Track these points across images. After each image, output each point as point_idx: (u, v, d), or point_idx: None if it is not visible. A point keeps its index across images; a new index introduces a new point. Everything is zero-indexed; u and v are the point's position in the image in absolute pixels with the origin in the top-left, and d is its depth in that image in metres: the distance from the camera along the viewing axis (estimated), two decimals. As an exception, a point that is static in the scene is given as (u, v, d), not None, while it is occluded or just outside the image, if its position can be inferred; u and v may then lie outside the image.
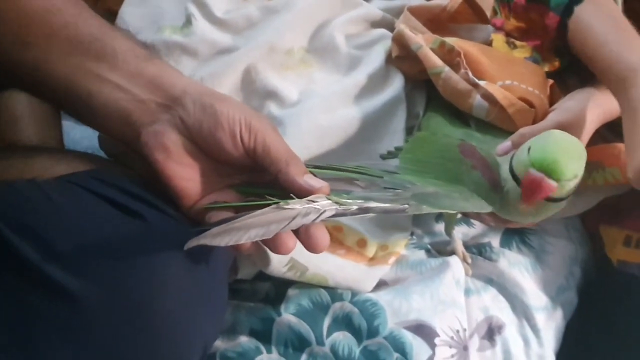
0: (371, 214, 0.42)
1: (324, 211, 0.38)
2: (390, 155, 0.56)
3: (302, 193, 0.39)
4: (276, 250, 0.39)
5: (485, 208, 0.47)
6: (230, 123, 0.40)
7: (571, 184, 0.45)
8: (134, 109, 0.41)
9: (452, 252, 0.61)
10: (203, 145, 0.41)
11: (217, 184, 0.43)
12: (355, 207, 0.40)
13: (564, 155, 0.44)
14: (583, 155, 0.46)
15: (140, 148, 0.41)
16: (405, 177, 0.46)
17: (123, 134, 0.42)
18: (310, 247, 0.39)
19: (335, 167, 0.45)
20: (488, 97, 0.58)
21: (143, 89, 0.41)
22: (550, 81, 0.64)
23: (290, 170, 0.40)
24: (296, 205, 0.38)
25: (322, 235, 0.39)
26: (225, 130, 0.40)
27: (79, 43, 0.41)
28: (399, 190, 0.44)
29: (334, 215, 0.39)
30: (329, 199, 0.39)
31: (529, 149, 0.45)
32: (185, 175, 0.41)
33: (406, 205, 0.42)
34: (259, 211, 0.38)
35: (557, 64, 0.65)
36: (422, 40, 0.61)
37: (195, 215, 0.42)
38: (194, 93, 0.41)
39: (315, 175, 0.41)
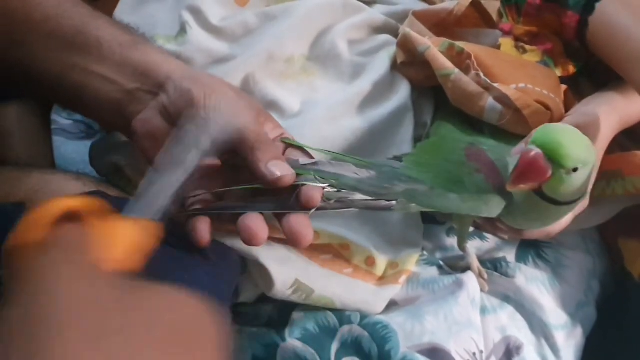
0: (354, 209, 0.41)
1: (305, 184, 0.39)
2: (396, 159, 0.53)
3: (265, 180, 0.39)
4: (249, 240, 0.39)
5: (485, 212, 0.44)
6: (205, 109, 0.39)
7: (574, 182, 0.42)
8: (122, 99, 0.41)
9: (467, 268, 0.58)
10: None
11: (202, 169, 0.42)
12: (333, 200, 0.40)
13: (569, 141, 0.42)
14: (590, 150, 0.43)
15: (131, 137, 0.41)
16: (403, 171, 0.44)
17: (116, 124, 0.43)
18: (294, 240, 0.39)
19: (336, 153, 0.45)
20: (502, 99, 0.55)
21: (130, 79, 0.41)
22: (564, 86, 0.61)
23: (255, 156, 0.39)
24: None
25: (306, 230, 0.39)
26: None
27: (62, 38, 0.40)
28: (395, 182, 0.42)
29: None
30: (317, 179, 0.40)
31: None
32: None
33: (393, 202, 0.41)
34: None
35: (571, 68, 0.62)
36: (429, 42, 0.58)
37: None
38: (176, 78, 0.41)
39: (309, 154, 0.42)
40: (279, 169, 0.39)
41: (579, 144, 0.42)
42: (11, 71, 0.43)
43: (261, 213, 0.40)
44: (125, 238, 0.27)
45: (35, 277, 0.23)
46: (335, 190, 0.40)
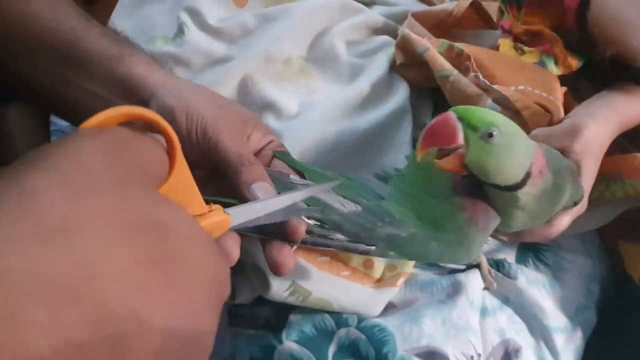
0: (331, 249, 0.41)
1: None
2: (385, 176, 0.51)
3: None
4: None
5: (459, 262, 0.45)
6: (188, 128, 0.39)
7: (498, 154, 0.40)
8: None
9: (473, 264, 0.57)
10: None
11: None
12: (315, 234, 0.39)
13: (484, 110, 0.41)
14: (506, 120, 0.42)
15: None
16: (389, 208, 0.43)
17: None
18: (276, 270, 0.38)
19: (327, 175, 0.43)
20: (501, 100, 0.54)
21: (117, 95, 0.41)
22: (564, 88, 0.61)
23: (237, 178, 0.38)
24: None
25: (288, 260, 0.38)
26: (184, 136, 0.39)
27: (57, 52, 0.41)
28: (378, 223, 0.41)
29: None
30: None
31: None
32: None
33: (372, 247, 0.41)
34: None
35: (574, 63, 0.61)
36: (428, 43, 0.58)
37: None
38: (160, 95, 0.40)
39: (303, 175, 0.41)
40: (262, 192, 0.37)
41: (494, 114, 0.42)
42: (10, 82, 0.43)
43: (243, 235, 0.38)
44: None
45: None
46: (318, 225, 0.39)
